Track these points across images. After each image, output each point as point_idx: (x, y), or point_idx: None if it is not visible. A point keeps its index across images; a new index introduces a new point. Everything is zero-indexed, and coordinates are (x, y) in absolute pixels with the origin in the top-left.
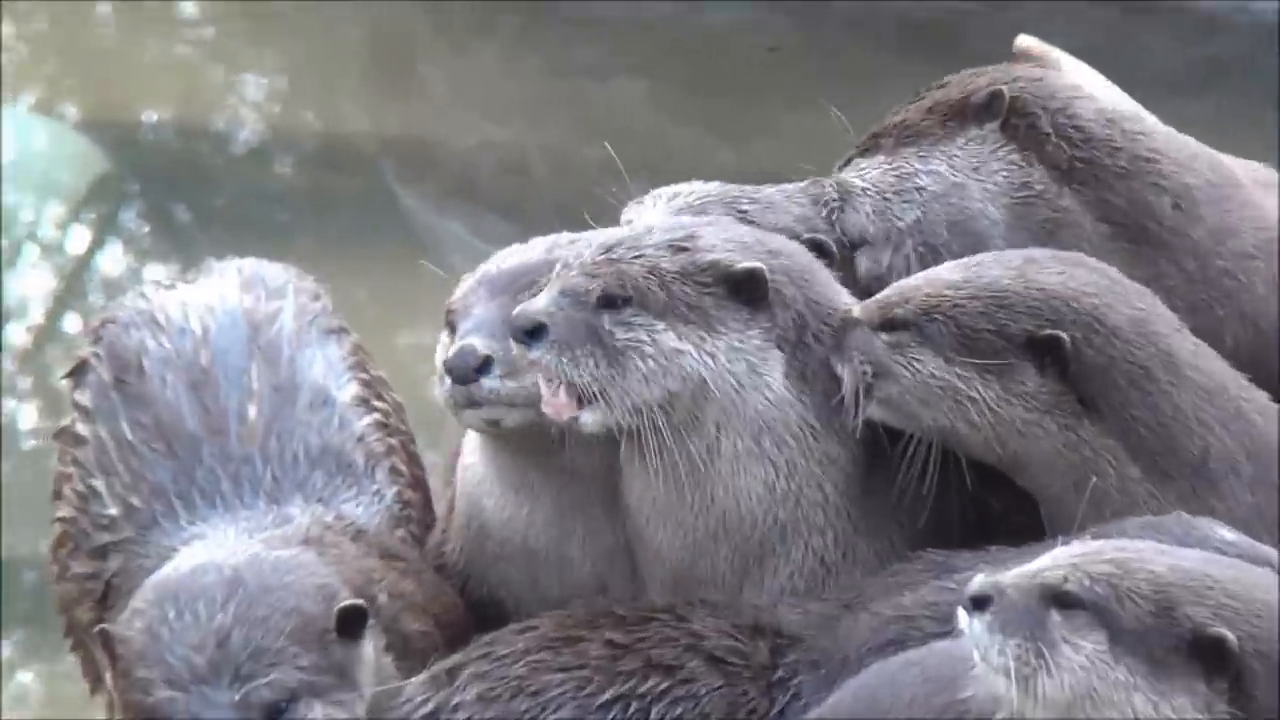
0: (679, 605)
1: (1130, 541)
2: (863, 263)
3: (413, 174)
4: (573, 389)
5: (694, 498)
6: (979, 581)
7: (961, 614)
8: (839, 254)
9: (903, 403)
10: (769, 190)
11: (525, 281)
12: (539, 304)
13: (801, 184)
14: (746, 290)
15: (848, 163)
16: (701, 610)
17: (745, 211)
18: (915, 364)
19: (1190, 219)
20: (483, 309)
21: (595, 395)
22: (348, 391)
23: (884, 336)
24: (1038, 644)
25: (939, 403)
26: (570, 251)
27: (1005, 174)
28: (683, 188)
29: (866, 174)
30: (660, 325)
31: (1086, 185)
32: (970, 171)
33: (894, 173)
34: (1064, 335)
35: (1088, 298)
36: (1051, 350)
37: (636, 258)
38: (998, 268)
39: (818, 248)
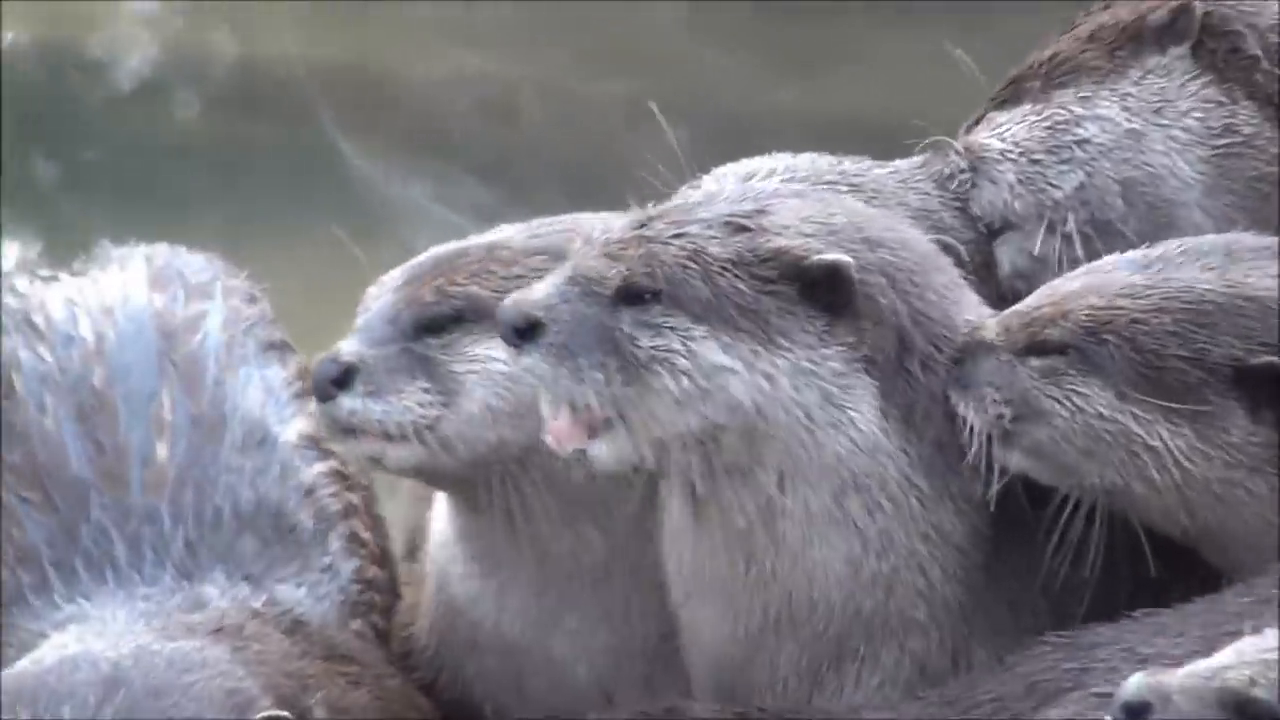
0: (724, 715)
1: None
2: (1005, 256)
3: (360, 120)
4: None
5: (748, 571)
6: (1136, 684)
7: None
8: (974, 258)
9: (1057, 452)
10: (878, 172)
11: (451, 268)
12: (537, 293)
13: (918, 160)
14: (825, 292)
15: (979, 121)
16: (761, 718)
17: None
18: (1076, 400)
19: None
20: (380, 303)
21: (608, 422)
22: (293, 428)
23: (1032, 363)
24: None
25: (1108, 453)
26: (593, 229)
27: (1200, 115)
28: (759, 164)
29: (1007, 131)
30: (699, 331)
31: None
32: (1151, 115)
33: (1045, 124)
34: None
35: None
36: (1269, 386)
37: (677, 236)
38: (1191, 266)
39: (943, 251)
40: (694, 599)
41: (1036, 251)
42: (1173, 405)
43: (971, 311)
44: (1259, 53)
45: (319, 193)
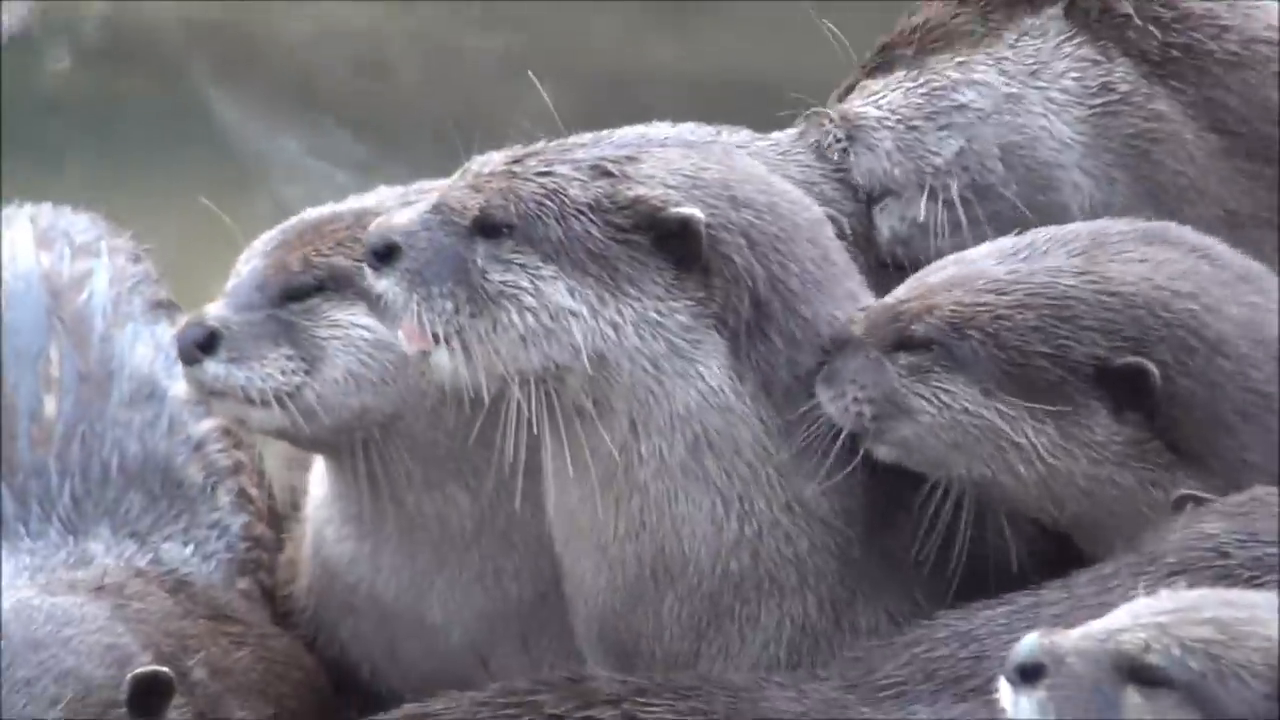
0: (625, 685)
1: (1240, 594)
2: (884, 222)
3: (232, 74)
4: None
5: (618, 517)
6: (1030, 645)
7: (1005, 688)
8: (856, 229)
9: (923, 446)
10: (758, 145)
11: (318, 235)
12: (400, 218)
13: (795, 132)
14: (677, 245)
15: (850, 89)
16: (660, 692)
17: None
18: (942, 397)
19: None
20: (249, 269)
21: (452, 343)
22: (182, 384)
23: (900, 360)
24: None
25: (975, 447)
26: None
27: (1076, 75)
28: (640, 133)
29: (883, 99)
30: (548, 271)
31: (1185, 81)
32: (1028, 77)
33: (921, 90)
34: (1149, 366)
35: (1181, 300)
36: (1131, 386)
37: (542, 174)
38: (1056, 255)
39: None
40: (572, 545)
41: (921, 219)
42: (1036, 405)
43: (841, 288)
44: (1130, 11)
45: (191, 147)
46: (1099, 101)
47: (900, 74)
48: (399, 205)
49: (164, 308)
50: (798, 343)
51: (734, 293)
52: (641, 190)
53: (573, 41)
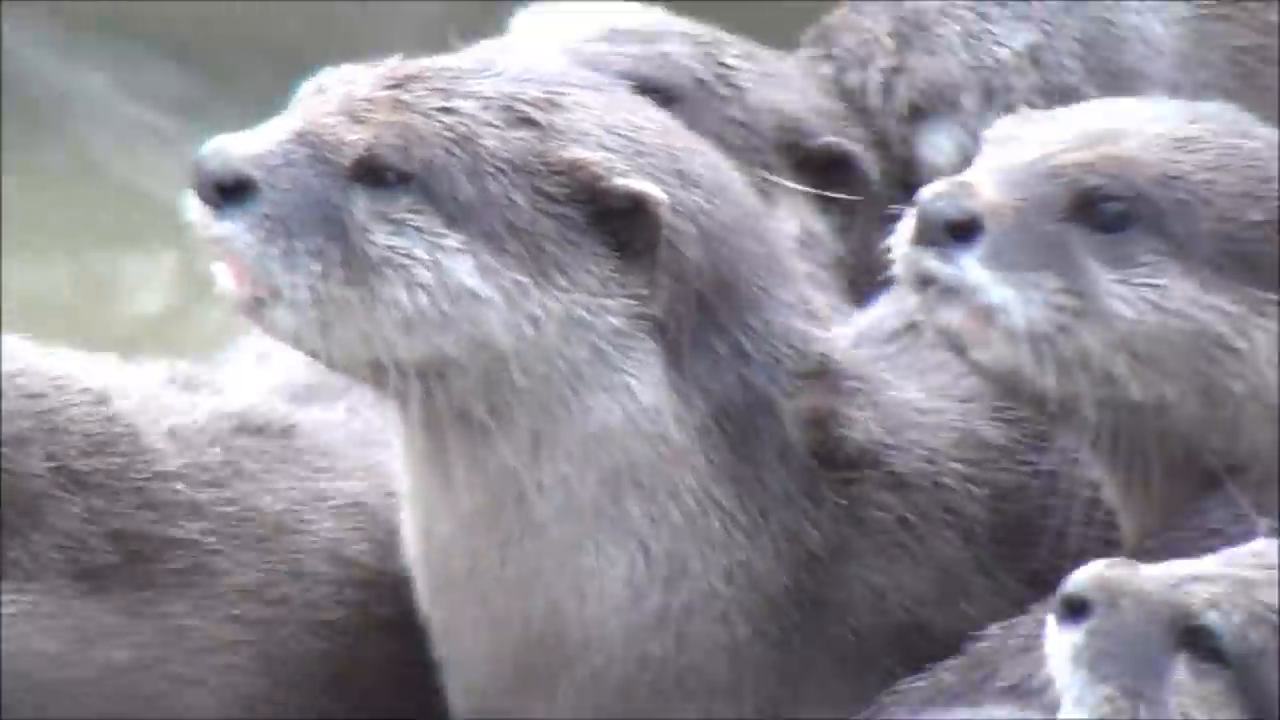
0: None
1: None
2: (938, 143)
3: None
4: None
5: (504, 562)
6: (1085, 577)
7: (1051, 624)
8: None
9: (1108, 361)
10: (768, 56)
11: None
12: (250, 145)
13: (803, 53)
14: (624, 226)
15: None
16: None
17: (729, 76)
18: (1149, 294)
19: None
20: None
21: (310, 311)
22: None
23: (1086, 235)
24: (1136, 701)
25: (1180, 361)
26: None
27: None
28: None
29: None
30: (453, 240)
31: None
32: None
33: None
34: None
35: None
36: None
37: (444, 111)
38: (1213, 116)
39: (836, 160)
40: (445, 595)
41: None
42: (1263, 293)
43: (793, 294)
44: None
45: None
46: (1206, 1)
47: None
48: None
49: None
50: (748, 358)
51: (680, 293)
52: (578, 152)
53: None
